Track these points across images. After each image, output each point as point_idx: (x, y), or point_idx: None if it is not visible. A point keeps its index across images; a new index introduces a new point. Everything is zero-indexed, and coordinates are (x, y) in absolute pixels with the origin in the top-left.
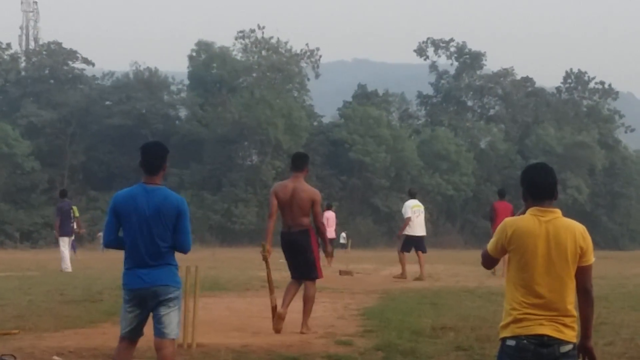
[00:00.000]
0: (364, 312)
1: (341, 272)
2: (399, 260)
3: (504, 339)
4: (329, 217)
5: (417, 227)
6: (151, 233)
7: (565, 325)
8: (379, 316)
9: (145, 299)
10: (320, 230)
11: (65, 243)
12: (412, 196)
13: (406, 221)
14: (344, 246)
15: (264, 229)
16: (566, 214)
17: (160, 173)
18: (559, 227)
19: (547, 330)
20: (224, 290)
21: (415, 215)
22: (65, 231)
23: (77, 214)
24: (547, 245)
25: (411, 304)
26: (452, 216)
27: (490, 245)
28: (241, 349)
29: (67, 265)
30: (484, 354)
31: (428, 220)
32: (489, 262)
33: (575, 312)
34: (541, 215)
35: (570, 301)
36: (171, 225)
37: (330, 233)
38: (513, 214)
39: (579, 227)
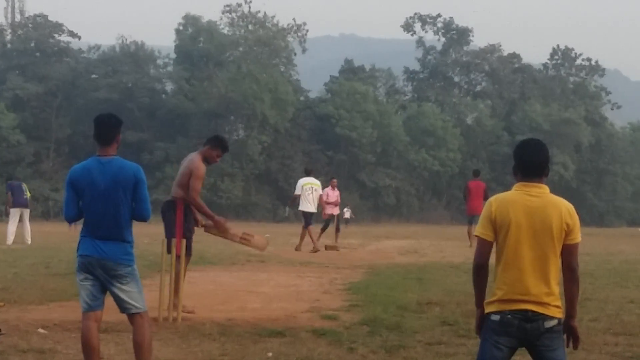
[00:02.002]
0: (350, 287)
1: (327, 247)
2: (307, 236)
3: (488, 315)
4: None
5: (311, 203)
6: (108, 205)
7: (549, 302)
8: (365, 291)
9: (94, 267)
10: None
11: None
12: (307, 174)
13: (293, 198)
14: (347, 221)
15: (249, 204)
16: (552, 190)
17: (114, 144)
18: (546, 203)
19: (531, 305)
20: (210, 264)
21: (307, 193)
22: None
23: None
24: (532, 220)
25: (397, 279)
26: (438, 192)
27: (478, 227)
28: (226, 323)
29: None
30: (469, 329)
31: (414, 196)
32: (482, 247)
33: (558, 289)
34: (527, 191)
35: (554, 277)
36: (129, 195)
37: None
38: (485, 193)
39: (565, 204)
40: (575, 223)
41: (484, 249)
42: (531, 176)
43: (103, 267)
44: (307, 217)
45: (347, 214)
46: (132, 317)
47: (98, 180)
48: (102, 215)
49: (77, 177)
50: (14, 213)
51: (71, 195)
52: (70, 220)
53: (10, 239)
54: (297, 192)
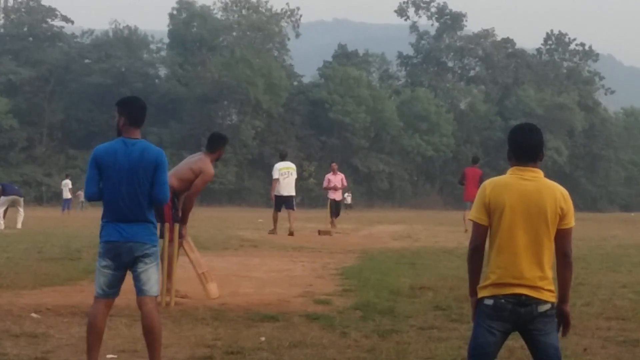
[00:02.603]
0: (343, 272)
1: (320, 232)
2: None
3: (481, 299)
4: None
5: (283, 187)
6: (131, 187)
7: (542, 286)
8: (358, 276)
9: (120, 253)
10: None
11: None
12: (282, 158)
13: (273, 183)
14: (349, 206)
15: (242, 189)
16: (545, 175)
17: (140, 128)
18: (540, 187)
19: (524, 289)
20: (203, 249)
21: (283, 177)
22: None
23: None
24: (526, 204)
25: (390, 263)
26: (432, 177)
27: (472, 211)
28: (219, 308)
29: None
30: (462, 314)
31: (407, 181)
32: (477, 231)
33: (551, 273)
34: (521, 175)
35: (548, 261)
36: (150, 177)
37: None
38: (481, 179)
39: (560, 188)
40: (569, 208)
41: (478, 233)
42: (525, 160)
43: (129, 250)
44: (278, 201)
45: (348, 199)
46: (142, 300)
47: (122, 161)
48: (125, 197)
49: (102, 155)
50: (4, 201)
51: (94, 173)
52: (89, 198)
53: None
54: (275, 176)
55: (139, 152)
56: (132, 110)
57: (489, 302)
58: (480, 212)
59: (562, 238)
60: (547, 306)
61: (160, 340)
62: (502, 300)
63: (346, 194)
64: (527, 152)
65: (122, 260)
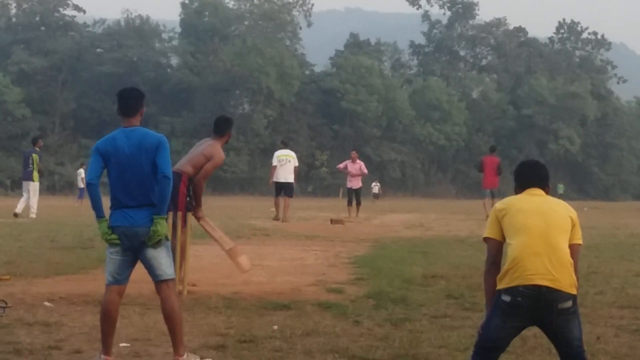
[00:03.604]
0: (355, 261)
1: (332, 221)
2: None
3: (499, 292)
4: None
5: (281, 174)
6: (134, 172)
7: (563, 278)
8: (370, 264)
9: (126, 237)
10: None
11: (23, 188)
12: (285, 146)
13: (271, 169)
14: (376, 196)
15: (254, 178)
16: (558, 164)
17: (137, 116)
18: (550, 200)
19: (545, 281)
20: None
21: (280, 164)
22: (23, 176)
23: (36, 162)
24: (541, 210)
25: (402, 252)
26: (444, 166)
27: (486, 229)
28: (232, 296)
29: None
30: (475, 302)
31: (419, 170)
32: (492, 248)
33: (572, 269)
34: (530, 193)
35: (568, 258)
36: (152, 160)
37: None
38: (499, 168)
39: (567, 204)
40: (577, 220)
41: (494, 249)
42: (532, 187)
43: (136, 235)
44: (277, 188)
45: (376, 188)
46: (159, 285)
47: (123, 146)
48: (129, 182)
49: (103, 145)
50: (24, 186)
51: (97, 159)
52: (89, 181)
53: (20, 208)
54: (274, 163)
55: (139, 138)
56: (121, 101)
57: (506, 298)
58: (492, 228)
59: (571, 254)
60: (569, 303)
61: (181, 325)
62: (519, 299)
63: (374, 184)
64: (533, 184)
65: (129, 244)
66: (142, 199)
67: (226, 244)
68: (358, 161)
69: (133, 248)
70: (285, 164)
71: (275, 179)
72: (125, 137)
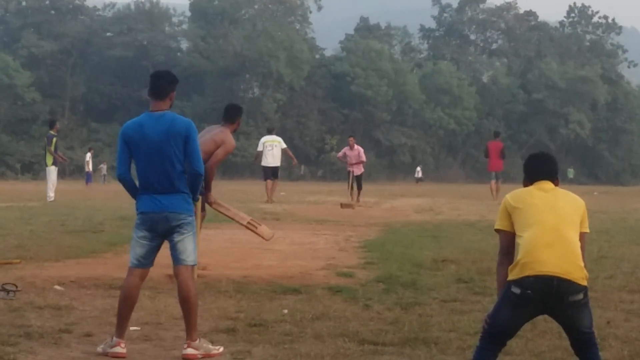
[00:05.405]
0: (365, 245)
1: (342, 205)
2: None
3: (509, 284)
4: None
5: (268, 158)
6: (162, 159)
7: (574, 270)
8: (380, 249)
9: (156, 223)
10: None
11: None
12: (269, 132)
13: (256, 154)
14: (420, 180)
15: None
16: (568, 148)
17: (167, 100)
18: (560, 193)
19: (556, 271)
20: (225, 222)
21: (267, 149)
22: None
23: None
24: (552, 205)
25: (412, 236)
26: (454, 150)
27: (497, 221)
28: (242, 280)
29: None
30: (485, 287)
31: (429, 154)
32: (504, 239)
33: (582, 262)
34: (539, 186)
35: (578, 247)
36: (181, 147)
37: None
38: (502, 152)
39: (576, 196)
40: (585, 210)
41: (506, 240)
42: (541, 180)
43: (166, 220)
44: (266, 172)
45: (419, 173)
46: (178, 269)
47: (150, 133)
48: (157, 168)
49: (129, 131)
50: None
51: (123, 149)
52: (119, 176)
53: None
54: (259, 148)
55: (168, 124)
56: (153, 81)
57: (516, 290)
58: (503, 219)
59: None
60: (580, 296)
61: (196, 310)
62: (529, 292)
63: (418, 168)
64: (542, 176)
65: (158, 230)
66: (171, 185)
67: (243, 218)
68: (356, 147)
69: (162, 233)
70: (272, 149)
71: (264, 164)
72: (153, 123)
